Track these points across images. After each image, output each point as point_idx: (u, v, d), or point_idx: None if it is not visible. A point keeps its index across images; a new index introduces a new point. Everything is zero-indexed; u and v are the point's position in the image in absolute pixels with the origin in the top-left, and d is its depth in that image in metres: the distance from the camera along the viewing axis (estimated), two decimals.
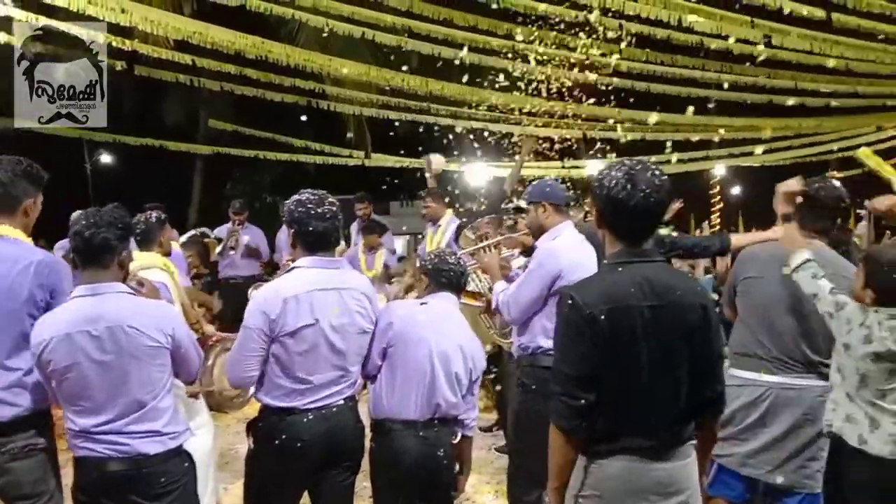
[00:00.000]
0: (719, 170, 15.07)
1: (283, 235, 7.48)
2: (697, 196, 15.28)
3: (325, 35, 8.07)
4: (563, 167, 11.01)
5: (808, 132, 13.15)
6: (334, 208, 2.94)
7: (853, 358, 2.86)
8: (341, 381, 2.94)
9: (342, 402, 2.95)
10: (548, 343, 3.51)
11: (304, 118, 13.75)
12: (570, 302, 2.13)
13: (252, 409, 3.22)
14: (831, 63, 8.29)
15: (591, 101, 9.75)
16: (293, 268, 2.95)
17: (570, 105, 9.87)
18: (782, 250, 3.26)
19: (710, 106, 9.95)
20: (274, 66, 8.24)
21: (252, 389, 2.99)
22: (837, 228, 3.47)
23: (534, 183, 3.89)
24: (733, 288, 3.42)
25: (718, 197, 15.62)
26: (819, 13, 7.15)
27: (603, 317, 2.07)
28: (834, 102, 10.82)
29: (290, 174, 17.35)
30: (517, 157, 6.56)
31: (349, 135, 13.05)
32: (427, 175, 7.00)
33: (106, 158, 22.90)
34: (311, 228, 2.89)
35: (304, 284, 2.86)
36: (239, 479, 3.10)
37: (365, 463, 3.11)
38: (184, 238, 6.25)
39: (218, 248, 8.36)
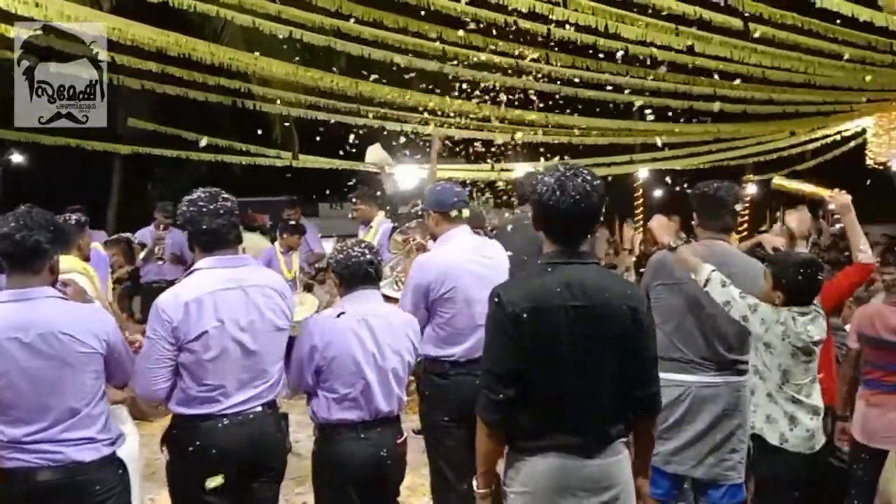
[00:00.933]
0: (642, 173, 15.46)
1: None
2: (623, 198, 15.67)
3: (251, 34, 7.92)
4: (493, 170, 11.09)
5: (726, 137, 13.65)
6: (229, 204, 2.84)
7: (775, 355, 2.99)
8: (258, 384, 2.84)
9: (260, 407, 2.85)
10: (435, 351, 3.57)
11: (229, 118, 13.45)
12: (496, 300, 2.20)
13: None
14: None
15: (519, 104, 9.87)
16: (193, 270, 2.84)
17: (499, 109, 9.96)
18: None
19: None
20: (198, 65, 8.03)
21: None
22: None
23: (428, 188, 3.91)
24: (646, 295, 3.50)
25: (641, 199, 16.04)
26: (737, 23, 7.42)
27: (526, 315, 2.14)
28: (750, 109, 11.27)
29: (214, 175, 16.94)
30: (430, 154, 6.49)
31: (276, 135, 12.82)
32: (374, 169, 6.84)
33: (18, 158, 21.88)
34: (204, 227, 2.79)
35: (206, 286, 2.75)
36: (165, 488, 3.00)
37: (296, 470, 3.04)
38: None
39: (142, 254, 8.13)
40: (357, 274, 3.07)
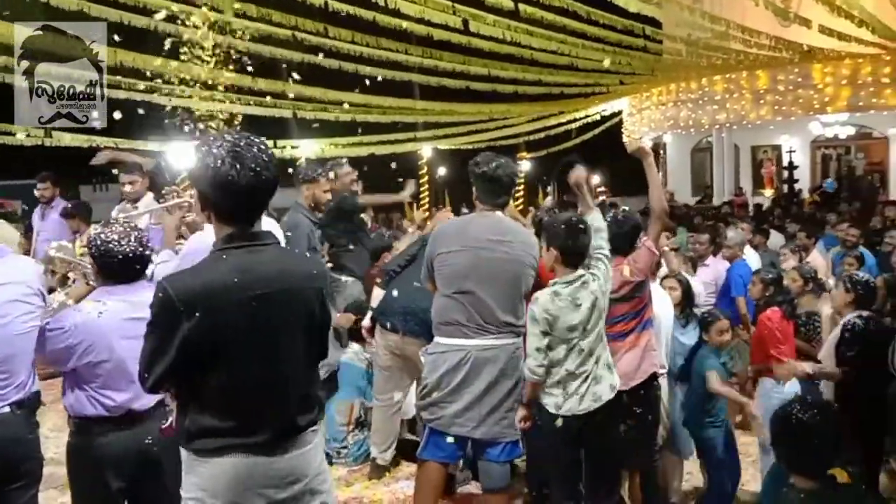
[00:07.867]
0: (426, 151, 15.78)
1: None
2: (409, 175, 15.86)
3: None
4: (276, 146, 10.71)
5: (499, 116, 14.32)
6: None
7: (558, 338, 3.13)
8: (6, 386, 2.63)
9: (7, 408, 2.63)
10: None
11: None
12: (160, 295, 1.92)
13: None
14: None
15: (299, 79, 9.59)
16: None
17: (277, 83, 9.62)
18: (470, 224, 3.50)
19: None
20: None
21: None
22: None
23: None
24: (430, 263, 3.53)
25: (426, 177, 16.38)
26: (508, 3, 7.70)
27: (198, 312, 1.88)
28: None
29: None
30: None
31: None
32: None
33: None
34: None
35: None
36: None
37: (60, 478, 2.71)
38: None
39: None
40: (123, 268, 2.73)
